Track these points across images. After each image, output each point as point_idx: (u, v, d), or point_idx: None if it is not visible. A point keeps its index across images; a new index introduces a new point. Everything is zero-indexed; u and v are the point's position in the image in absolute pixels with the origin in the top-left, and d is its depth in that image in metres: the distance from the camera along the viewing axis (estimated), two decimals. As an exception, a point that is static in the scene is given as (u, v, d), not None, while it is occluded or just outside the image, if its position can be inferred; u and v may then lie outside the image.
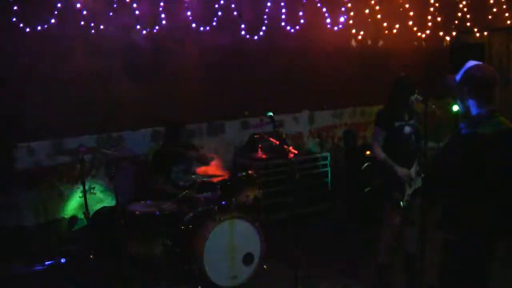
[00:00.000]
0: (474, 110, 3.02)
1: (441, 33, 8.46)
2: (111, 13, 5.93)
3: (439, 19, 8.26)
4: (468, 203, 2.97)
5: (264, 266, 5.02)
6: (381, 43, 8.35)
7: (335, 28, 7.56)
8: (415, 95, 4.42)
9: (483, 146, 2.90)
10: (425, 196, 3.81)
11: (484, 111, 2.98)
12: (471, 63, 3.08)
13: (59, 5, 5.67)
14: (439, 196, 3.22)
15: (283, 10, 7.08)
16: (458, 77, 3.09)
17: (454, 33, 8.53)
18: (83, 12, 5.81)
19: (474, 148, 2.92)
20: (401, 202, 4.50)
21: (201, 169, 5.82)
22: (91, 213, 5.30)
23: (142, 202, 5.17)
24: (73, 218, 6.08)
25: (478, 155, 2.90)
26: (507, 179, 2.91)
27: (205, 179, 5.62)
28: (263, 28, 6.94)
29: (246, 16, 6.80)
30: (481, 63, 3.12)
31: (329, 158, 7.25)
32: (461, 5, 8.30)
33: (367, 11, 7.78)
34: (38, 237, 5.78)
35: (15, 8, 5.53)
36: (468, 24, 8.34)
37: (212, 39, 6.64)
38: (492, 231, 2.99)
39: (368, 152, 6.69)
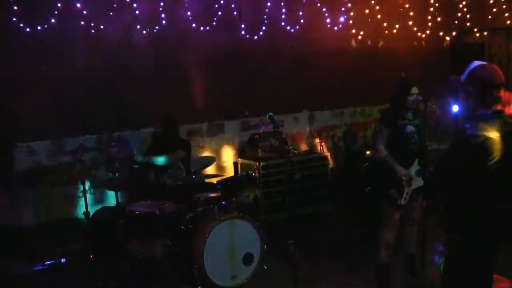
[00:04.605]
0: (479, 111, 3.00)
1: (441, 33, 8.47)
2: (111, 13, 5.93)
3: (439, 19, 8.27)
4: (472, 203, 2.96)
5: (264, 266, 5.02)
6: (381, 43, 8.35)
7: (335, 28, 7.57)
8: (412, 96, 4.44)
9: (488, 147, 2.89)
10: (428, 197, 3.80)
11: (490, 112, 2.96)
12: (476, 63, 3.06)
13: (59, 5, 5.68)
14: (443, 196, 3.20)
15: (283, 10, 7.08)
16: (463, 77, 3.07)
17: (454, 33, 8.54)
18: (83, 12, 5.81)
19: (479, 149, 2.90)
20: (399, 200, 4.50)
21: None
22: (91, 213, 5.30)
23: (142, 202, 5.16)
24: (73, 218, 6.07)
25: (483, 156, 2.89)
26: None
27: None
28: (263, 28, 6.94)
29: (246, 16, 6.80)
30: (486, 63, 3.09)
31: (329, 158, 7.25)
32: (461, 5, 8.31)
33: (367, 11, 7.78)
34: (38, 237, 5.78)
35: (15, 8, 5.53)
36: (468, 24, 8.35)
37: (212, 39, 6.64)
38: (495, 232, 2.98)
39: (368, 152, 6.69)
